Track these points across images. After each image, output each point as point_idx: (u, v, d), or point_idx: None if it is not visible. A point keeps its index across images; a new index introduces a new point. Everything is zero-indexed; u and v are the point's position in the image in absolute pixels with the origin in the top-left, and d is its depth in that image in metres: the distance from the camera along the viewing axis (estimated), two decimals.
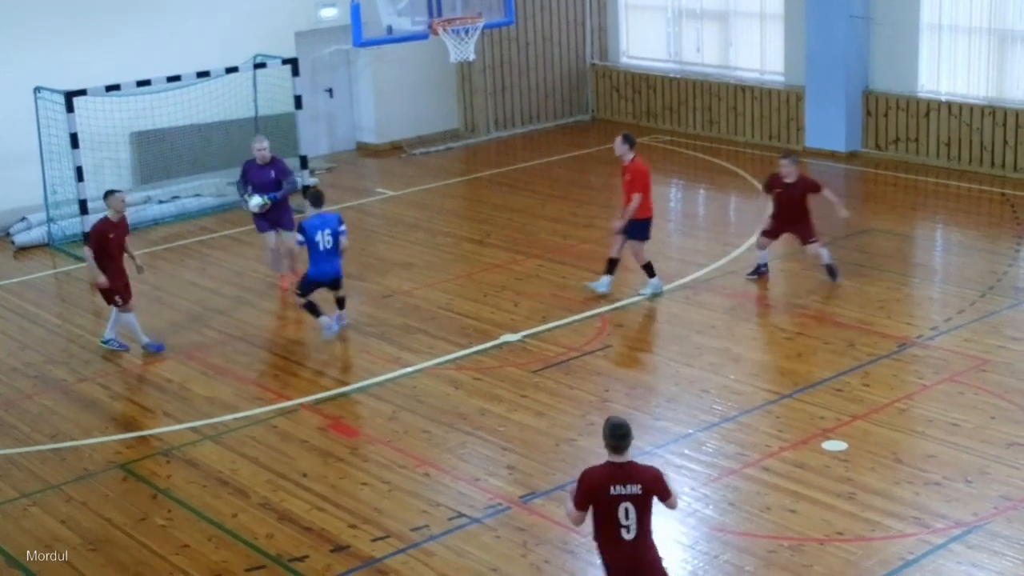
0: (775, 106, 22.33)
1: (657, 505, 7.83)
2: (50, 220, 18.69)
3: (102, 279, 13.91)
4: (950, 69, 20.33)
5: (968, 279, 15.26)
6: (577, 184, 20.73)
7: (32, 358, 14.39)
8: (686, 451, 11.26)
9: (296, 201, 17.36)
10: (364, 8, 17.84)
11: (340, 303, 14.43)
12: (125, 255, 14.20)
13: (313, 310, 14.14)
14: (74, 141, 17.64)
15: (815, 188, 15.20)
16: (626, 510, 7.67)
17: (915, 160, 20.65)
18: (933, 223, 18.32)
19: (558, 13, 24.81)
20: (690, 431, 11.65)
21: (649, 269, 15.10)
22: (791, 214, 15.15)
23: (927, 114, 20.45)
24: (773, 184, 15.40)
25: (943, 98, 20.33)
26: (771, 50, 22.65)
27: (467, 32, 18.70)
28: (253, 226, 16.34)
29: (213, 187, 20.57)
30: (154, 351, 14.19)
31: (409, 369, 13.34)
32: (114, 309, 14.21)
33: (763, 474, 10.74)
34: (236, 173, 20.71)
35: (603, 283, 15.16)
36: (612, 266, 15.15)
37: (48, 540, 10.32)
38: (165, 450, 11.89)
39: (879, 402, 12.00)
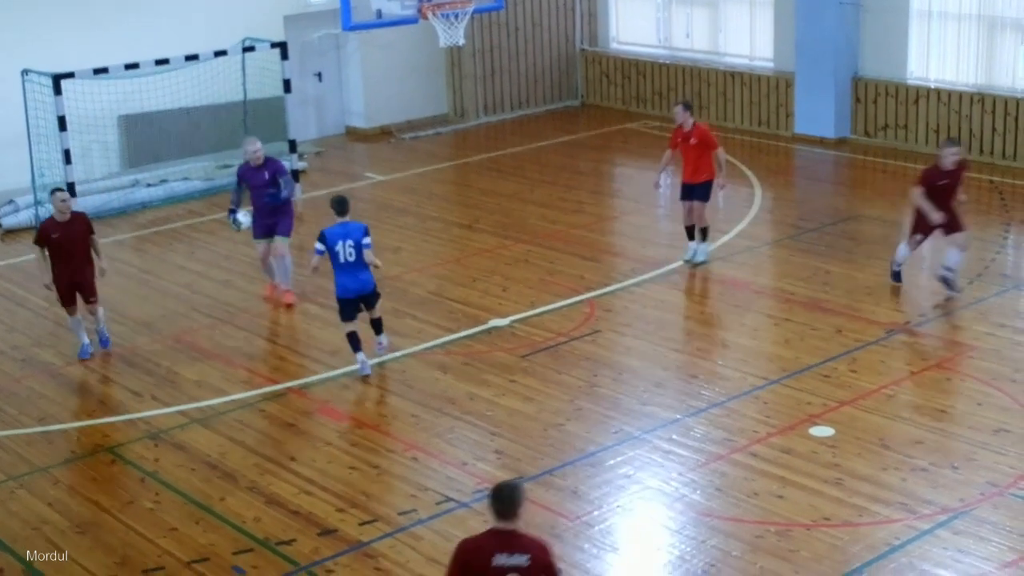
0: (764, 92, 22.33)
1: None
2: (37, 203, 18.60)
3: (45, 279, 13.43)
4: (939, 56, 20.35)
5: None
6: (566, 169, 20.72)
7: (20, 341, 14.36)
8: (674, 436, 11.27)
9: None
10: None
11: (375, 326, 13.01)
12: (93, 255, 13.53)
13: (352, 342, 12.80)
14: (62, 124, 17.58)
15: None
16: None
17: (904, 147, 20.67)
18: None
19: None
20: (678, 416, 11.66)
21: (705, 233, 15.62)
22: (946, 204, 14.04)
23: (916, 101, 20.46)
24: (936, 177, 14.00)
25: (932, 85, 20.35)
26: (761, 36, 22.64)
27: (457, 17, 18.67)
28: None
29: (201, 170, 20.52)
30: (81, 356, 13.63)
31: (398, 354, 13.33)
32: (97, 312, 13.80)
33: (750, 459, 10.77)
34: (224, 156, 20.91)
35: (701, 250, 15.67)
36: (693, 232, 15.67)
37: (36, 523, 10.31)
38: (153, 433, 11.88)
39: (866, 388, 12.03)
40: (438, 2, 18.44)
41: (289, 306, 14.84)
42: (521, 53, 24.76)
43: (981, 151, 19.77)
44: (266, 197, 14.64)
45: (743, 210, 17.57)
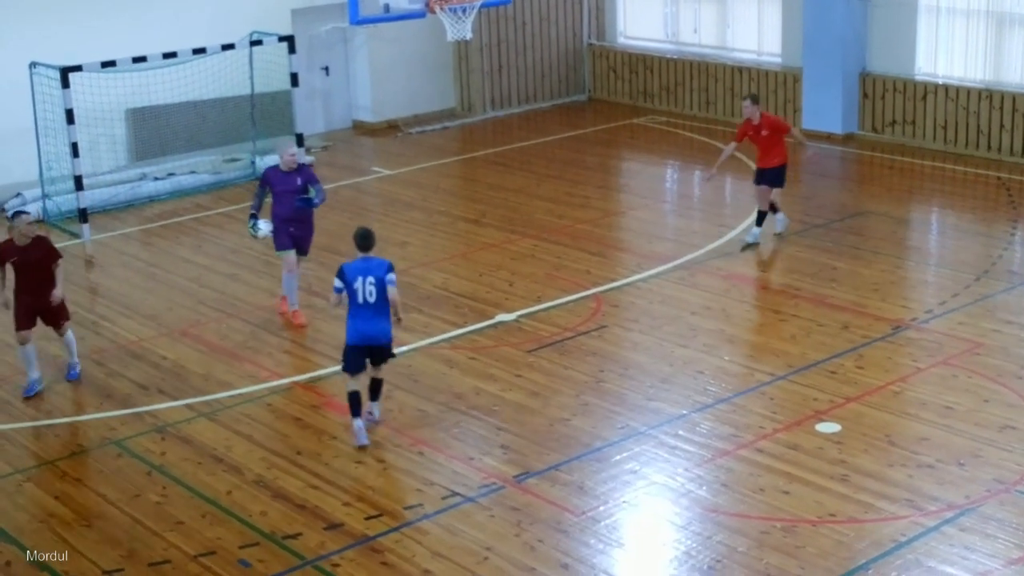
0: (772, 87, 22.30)
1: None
2: (45, 196, 18.65)
3: (2, 299, 12.52)
4: (948, 52, 20.30)
5: (963, 262, 15.28)
6: (573, 164, 20.71)
7: None
8: (680, 432, 11.27)
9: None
10: None
11: (374, 388, 11.59)
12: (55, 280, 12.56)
13: (352, 405, 11.29)
14: (69, 117, 17.58)
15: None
16: None
17: (911, 143, 20.64)
18: (929, 206, 18.32)
19: None
20: (684, 412, 11.66)
21: (775, 207, 16.21)
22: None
23: (924, 97, 20.43)
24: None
25: (940, 81, 20.31)
26: (769, 31, 22.61)
27: (464, 11, 18.66)
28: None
29: (209, 164, 20.54)
30: (27, 393, 12.62)
31: (404, 348, 13.33)
32: (65, 336, 12.96)
33: (757, 455, 10.76)
34: (232, 150, 20.93)
35: (779, 220, 16.31)
36: (762, 219, 16.13)
37: (42, 516, 10.34)
38: (159, 427, 11.90)
39: (873, 384, 12.02)
40: None
41: (301, 327, 14.22)
42: (528, 48, 24.74)
43: (989, 147, 19.74)
44: (298, 202, 13.88)
45: (750, 206, 17.55)
